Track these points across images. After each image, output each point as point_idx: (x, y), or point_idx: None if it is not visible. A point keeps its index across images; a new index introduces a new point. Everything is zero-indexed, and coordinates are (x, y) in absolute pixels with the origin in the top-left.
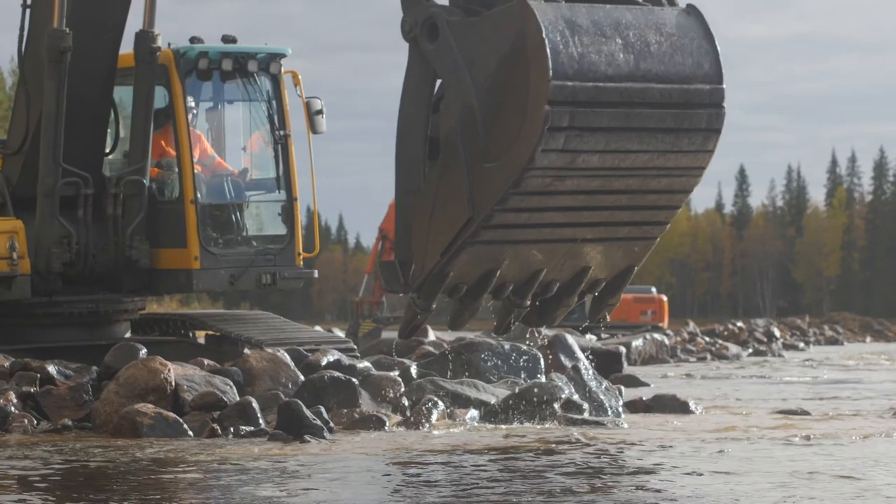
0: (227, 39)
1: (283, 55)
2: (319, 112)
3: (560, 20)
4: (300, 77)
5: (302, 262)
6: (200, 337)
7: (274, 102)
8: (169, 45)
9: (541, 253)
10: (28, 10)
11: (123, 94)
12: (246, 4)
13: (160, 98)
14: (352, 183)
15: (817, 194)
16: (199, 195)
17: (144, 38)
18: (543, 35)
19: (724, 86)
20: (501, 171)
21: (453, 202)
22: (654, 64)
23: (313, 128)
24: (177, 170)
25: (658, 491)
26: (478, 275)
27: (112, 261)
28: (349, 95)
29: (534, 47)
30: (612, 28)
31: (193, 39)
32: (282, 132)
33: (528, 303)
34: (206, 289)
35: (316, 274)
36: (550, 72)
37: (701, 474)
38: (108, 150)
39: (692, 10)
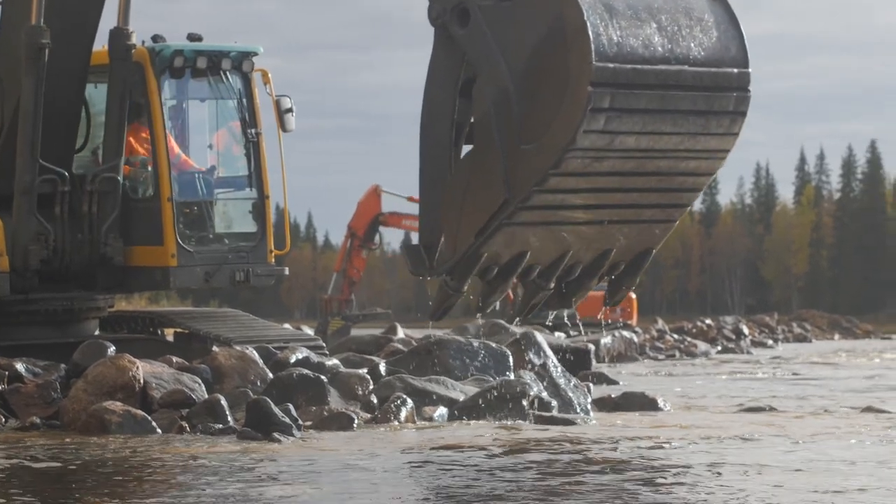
0: (193, 38)
1: (254, 53)
2: (289, 110)
3: (598, 3)
4: (270, 75)
5: (273, 260)
6: (169, 335)
7: (246, 101)
8: (143, 42)
9: (570, 235)
10: (1, 7)
11: (92, 92)
12: (218, 2)
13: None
14: (321, 181)
15: (786, 192)
16: (174, 193)
17: (119, 36)
18: (585, 18)
19: (750, 69)
20: (540, 153)
21: (487, 185)
22: (686, 47)
23: (283, 126)
24: (149, 168)
25: (625, 489)
26: (509, 256)
27: (87, 258)
28: (321, 94)
29: (574, 30)
30: (646, 12)
31: (156, 38)
32: (253, 130)
33: (553, 285)
34: (182, 286)
35: (287, 271)
36: (592, 54)
37: (684, 470)
38: (77, 148)
39: None
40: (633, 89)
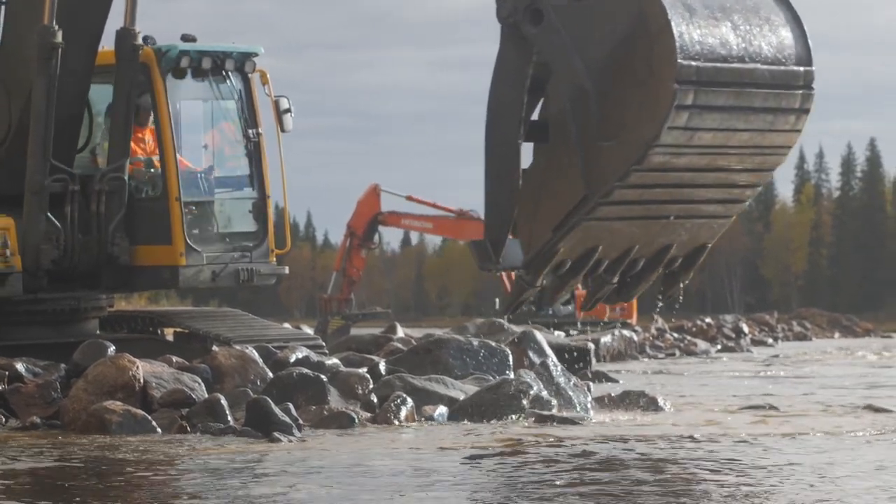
0: (187, 38)
1: (255, 54)
2: (287, 111)
3: (678, 2)
4: (268, 76)
5: (275, 259)
6: (169, 334)
7: (246, 101)
8: (147, 42)
9: (637, 229)
10: (2, 7)
11: (92, 92)
12: (216, 2)
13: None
14: (320, 180)
15: (785, 190)
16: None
17: (126, 36)
18: (668, 16)
19: (814, 68)
20: (621, 149)
21: (564, 181)
22: (758, 46)
23: (281, 126)
24: (152, 168)
25: (630, 487)
26: (581, 251)
27: (94, 258)
28: (320, 94)
29: (658, 28)
30: (720, 11)
31: (146, 39)
32: (254, 131)
33: (616, 280)
34: (190, 285)
35: (287, 270)
36: (677, 51)
37: (679, 468)
38: (78, 148)
39: None
40: (713, 87)
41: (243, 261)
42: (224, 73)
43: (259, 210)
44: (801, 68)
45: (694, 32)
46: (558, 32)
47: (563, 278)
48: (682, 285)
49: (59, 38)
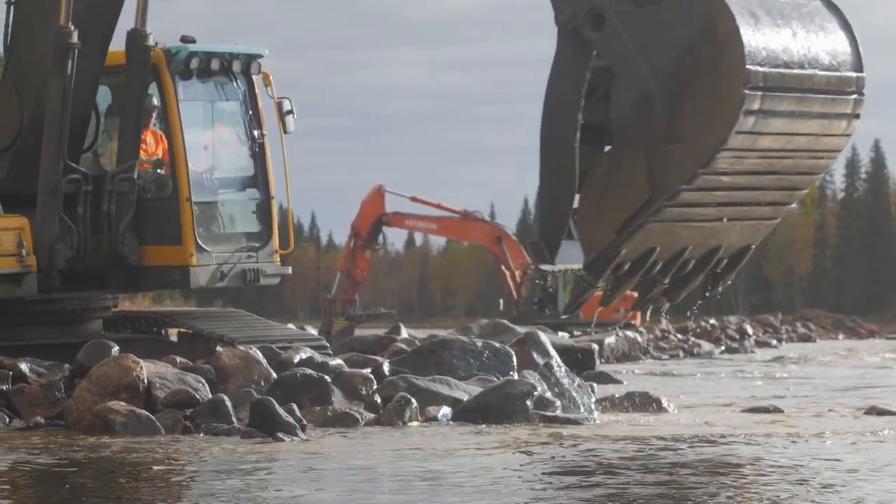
0: (187, 39)
1: (260, 56)
2: (289, 112)
3: (744, 10)
4: (271, 77)
5: (279, 259)
6: (173, 335)
7: (250, 102)
8: (156, 44)
9: (694, 231)
10: (12, 7)
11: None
12: (217, 2)
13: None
14: (324, 181)
15: None
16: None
17: (137, 37)
18: (737, 23)
19: (865, 74)
20: (688, 152)
21: (627, 184)
22: (815, 52)
23: (284, 128)
24: (159, 169)
25: (635, 487)
26: (640, 253)
27: (105, 258)
28: (321, 94)
29: (726, 35)
30: (780, 17)
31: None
32: (259, 131)
33: (667, 281)
34: (200, 285)
35: (290, 270)
36: (746, 57)
37: (680, 471)
38: (84, 148)
39: (830, 4)
40: (778, 92)
41: (250, 261)
42: (230, 75)
43: (264, 210)
44: (854, 74)
45: (759, 39)
46: (621, 38)
47: (620, 279)
48: (723, 286)
49: (76, 38)
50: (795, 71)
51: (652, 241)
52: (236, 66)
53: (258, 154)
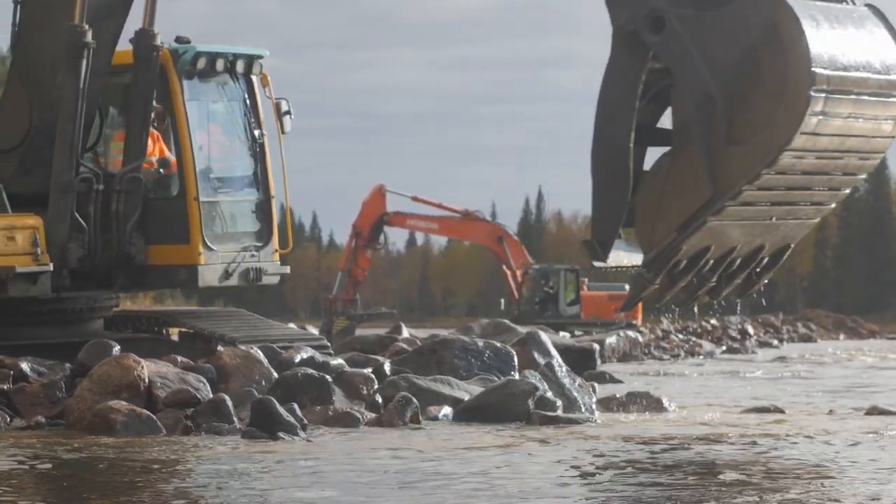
0: (182, 40)
1: (261, 56)
2: (287, 112)
3: (806, 13)
4: (269, 78)
5: (278, 259)
6: (174, 334)
7: (250, 102)
8: (162, 44)
9: (745, 230)
10: (19, 7)
11: None
12: (217, 2)
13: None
14: (325, 181)
15: None
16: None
17: (144, 37)
18: (802, 26)
19: None
20: (751, 152)
21: (688, 183)
22: (867, 55)
23: (281, 128)
24: (161, 169)
25: (636, 487)
26: (696, 251)
27: (114, 257)
28: (321, 94)
29: (791, 38)
30: (836, 22)
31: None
32: (259, 131)
33: (714, 279)
34: (207, 284)
35: (288, 270)
36: (812, 60)
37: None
38: (87, 147)
39: (877, 10)
40: (839, 94)
41: (252, 260)
42: (233, 75)
43: (264, 210)
44: None
45: (821, 42)
46: (682, 40)
47: (675, 278)
48: (760, 285)
49: (90, 37)
50: (853, 74)
51: (709, 240)
52: (239, 67)
53: (259, 154)
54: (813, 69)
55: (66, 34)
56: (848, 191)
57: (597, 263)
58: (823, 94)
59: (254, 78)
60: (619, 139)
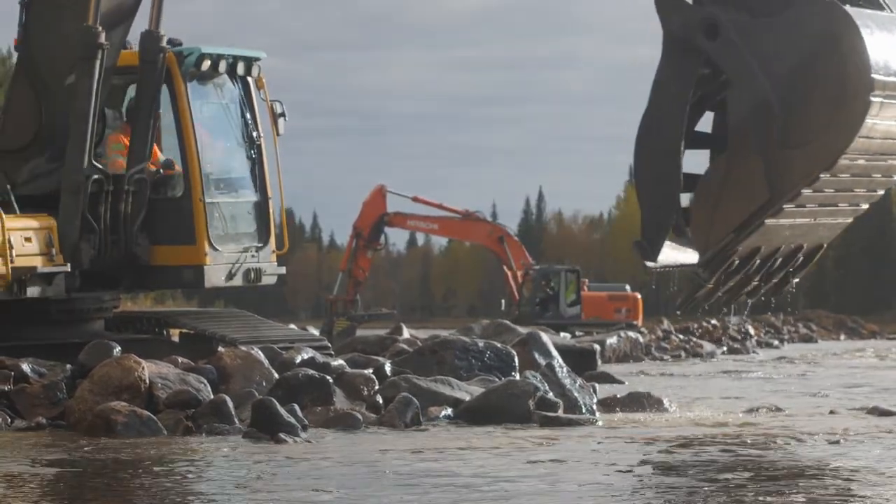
0: (174, 42)
1: (259, 59)
2: (281, 115)
3: (861, 20)
4: (264, 80)
5: (275, 259)
6: (175, 335)
7: (248, 104)
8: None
9: (792, 230)
10: (26, 9)
11: None
12: (218, 2)
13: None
14: (326, 181)
15: None
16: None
17: (151, 39)
18: (861, 34)
19: None
20: (810, 155)
21: (744, 185)
22: None
23: (276, 130)
24: (160, 171)
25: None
26: (748, 252)
27: (121, 257)
28: (321, 94)
29: (851, 45)
30: (885, 30)
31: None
32: (256, 133)
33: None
34: (213, 285)
35: (284, 270)
36: (871, 66)
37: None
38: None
39: None
40: (892, 99)
41: (252, 261)
42: (233, 77)
43: (262, 211)
44: None
45: (877, 49)
46: (737, 46)
47: (727, 277)
48: (790, 285)
49: (104, 38)
50: None
51: (761, 240)
52: (240, 69)
53: (256, 156)
54: (872, 75)
55: (80, 35)
56: (882, 192)
57: (648, 264)
58: (880, 99)
59: (250, 80)
60: (670, 142)
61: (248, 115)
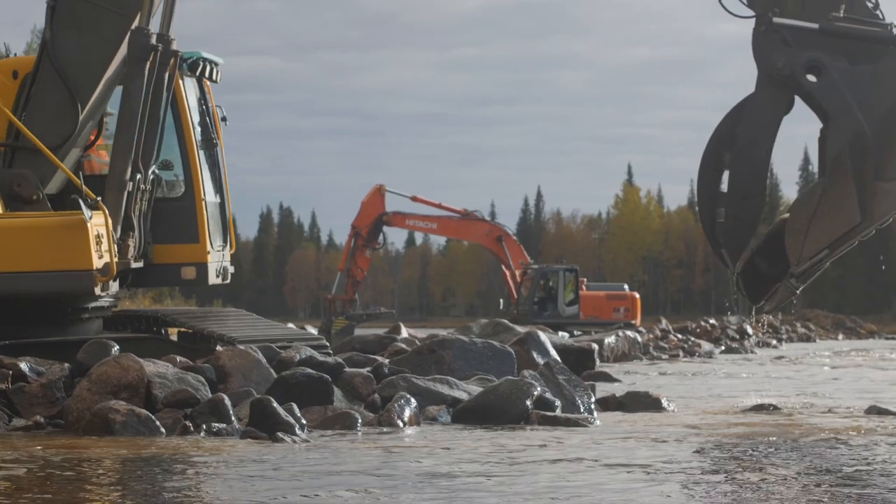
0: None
1: (219, 63)
2: (224, 119)
3: None
4: (209, 86)
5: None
6: (173, 334)
7: (209, 107)
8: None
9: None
10: (53, 11)
11: None
12: (219, 2)
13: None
14: (324, 181)
15: (790, 192)
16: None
17: (162, 42)
18: None
19: None
20: None
21: (839, 209)
22: None
23: (219, 134)
24: (161, 171)
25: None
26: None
27: (137, 256)
28: (321, 94)
29: None
30: None
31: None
32: (215, 136)
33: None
34: (213, 282)
35: (232, 269)
36: None
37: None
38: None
39: None
40: None
41: (225, 259)
42: (201, 80)
43: (223, 212)
44: None
45: None
46: (839, 87)
47: (795, 283)
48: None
49: (155, 40)
50: None
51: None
52: (215, 74)
53: (218, 157)
54: None
55: (132, 36)
56: None
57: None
58: None
59: (208, 83)
60: (757, 163)
61: (209, 118)
